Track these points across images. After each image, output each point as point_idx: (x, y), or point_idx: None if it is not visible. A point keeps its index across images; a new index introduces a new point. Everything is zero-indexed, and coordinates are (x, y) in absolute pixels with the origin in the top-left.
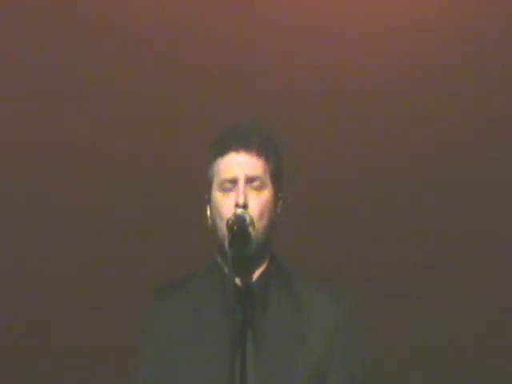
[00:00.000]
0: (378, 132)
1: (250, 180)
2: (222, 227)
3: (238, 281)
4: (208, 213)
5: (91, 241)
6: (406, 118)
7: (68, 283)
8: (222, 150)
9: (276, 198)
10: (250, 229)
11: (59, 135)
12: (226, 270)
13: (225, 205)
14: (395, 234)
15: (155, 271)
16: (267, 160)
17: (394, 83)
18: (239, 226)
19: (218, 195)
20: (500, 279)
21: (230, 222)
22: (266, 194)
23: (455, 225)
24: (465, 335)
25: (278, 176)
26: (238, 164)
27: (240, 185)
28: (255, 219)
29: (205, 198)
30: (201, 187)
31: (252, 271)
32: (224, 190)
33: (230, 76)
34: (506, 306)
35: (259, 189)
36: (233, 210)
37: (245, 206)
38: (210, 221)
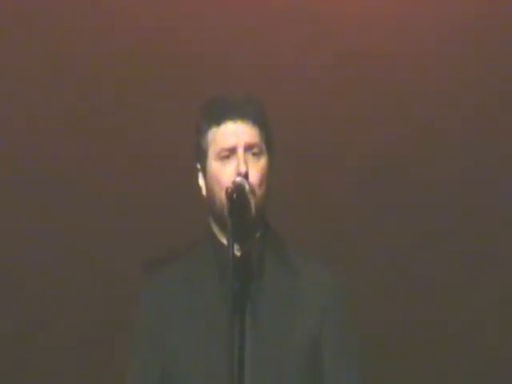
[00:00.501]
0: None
1: (248, 147)
2: (221, 196)
3: (236, 250)
4: (201, 182)
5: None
6: (401, 86)
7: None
8: (217, 119)
9: (270, 164)
10: (250, 196)
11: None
12: (221, 238)
13: (224, 173)
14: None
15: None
16: (262, 128)
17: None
18: (239, 194)
19: (215, 164)
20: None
21: (229, 191)
22: (263, 160)
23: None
24: (464, 309)
25: (271, 144)
26: (236, 132)
27: (240, 153)
28: (255, 186)
29: (197, 167)
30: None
31: (249, 239)
32: (222, 159)
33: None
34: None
35: (257, 156)
36: (233, 179)
37: (246, 175)
38: (204, 191)
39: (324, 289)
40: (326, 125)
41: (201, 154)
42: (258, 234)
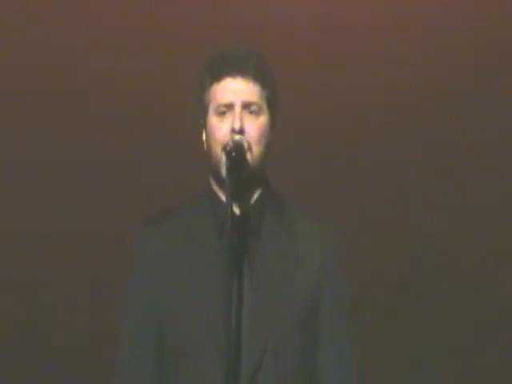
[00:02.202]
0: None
1: (246, 105)
2: (217, 151)
3: (235, 207)
4: (204, 138)
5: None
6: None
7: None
8: (218, 76)
9: (272, 124)
10: (248, 154)
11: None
12: (220, 195)
13: (220, 129)
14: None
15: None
16: (263, 85)
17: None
18: (237, 152)
19: (213, 119)
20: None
21: (228, 149)
22: (263, 119)
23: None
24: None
25: (273, 102)
26: (235, 89)
27: (236, 110)
28: (252, 144)
29: (200, 122)
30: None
31: (248, 197)
32: (220, 115)
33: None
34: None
35: (256, 114)
36: (228, 135)
37: (241, 131)
38: (205, 146)
39: (321, 246)
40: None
41: (203, 110)
42: (257, 193)
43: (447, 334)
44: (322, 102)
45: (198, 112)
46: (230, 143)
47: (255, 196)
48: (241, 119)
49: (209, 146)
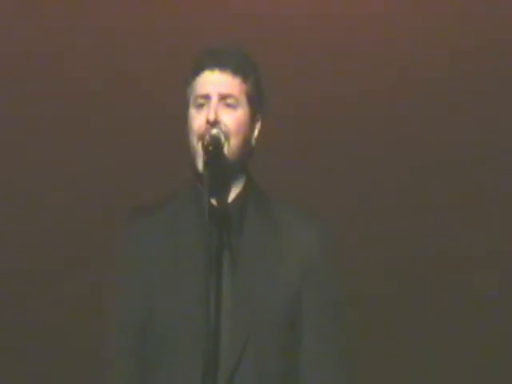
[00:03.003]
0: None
1: (222, 97)
2: (194, 143)
3: (214, 202)
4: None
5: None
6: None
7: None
8: (198, 69)
9: (253, 119)
10: (225, 148)
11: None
12: (201, 189)
13: (197, 120)
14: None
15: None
16: (244, 79)
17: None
18: (214, 146)
19: (191, 111)
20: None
21: (205, 143)
22: (241, 112)
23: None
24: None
25: (255, 97)
26: (212, 81)
27: (212, 101)
28: (230, 136)
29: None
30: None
31: (227, 191)
32: (197, 106)
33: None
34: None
35: (233, 107)
36: (204, 126)
37: (215, 123)
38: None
39: (306, 241)
40: None
41: (185, 103)
42: (239, 188)
43: (447, 335)
44: (313, 100)
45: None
46: (207, 137)
47: (237, 191)
48: (216, 111)
49: (187, 138)
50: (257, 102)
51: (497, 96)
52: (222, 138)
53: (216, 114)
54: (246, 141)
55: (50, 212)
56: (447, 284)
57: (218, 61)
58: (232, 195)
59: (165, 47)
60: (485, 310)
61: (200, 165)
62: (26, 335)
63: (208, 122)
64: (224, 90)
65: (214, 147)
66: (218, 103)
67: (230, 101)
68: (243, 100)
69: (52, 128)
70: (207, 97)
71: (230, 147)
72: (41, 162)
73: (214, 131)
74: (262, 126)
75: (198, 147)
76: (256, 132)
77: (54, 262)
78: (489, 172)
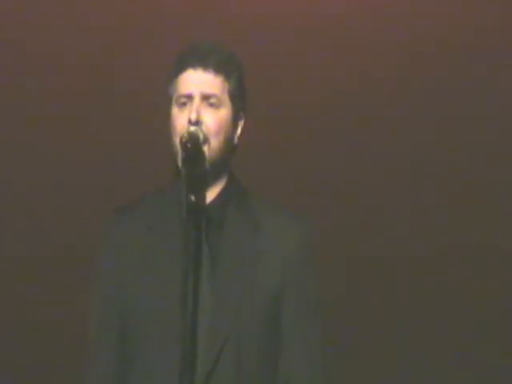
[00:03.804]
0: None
1: (205, 97)
2: (176, 142)
3: (193, 199)
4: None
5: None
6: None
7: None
8: (180, 67)
9: (235, 117)
10: (205, 147)
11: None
12: (181, 186)
13: (179, 120)
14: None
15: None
16: (226, 78)
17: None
18: (192, 143)
19: (174, 110)
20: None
21: (183, 140)
22: (223, 111)
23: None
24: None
25: (238, 95)
26: (195, 81)
27: (194, 101)
28: (210, 136)
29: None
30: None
31: (207, 189)
32: (180, 106)
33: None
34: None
35: (215, 106)
36: (186, 126)
37: (197, 123)
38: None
39: (286, 240)
40: None
41: (168, 102)
42: (220, 186)
43: (447, 335)
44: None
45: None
46: (186, 134)
47: (218, 189)
48: (198, 111)
49: (170, 137)
50: (240, 101)
51: (497, 96)
52: (201, 136)
53: (198, 114)
54: (228, 140)
55: (50, 212)
56: (447, 284)
57: (200, 59)
58: (213, 193)
59: (165, 47)
60: (485, 310)
61: (180, 162)
62: (25, 335)
63: (190, 121)
64: (206, 90)
65: (192, 144)
66: (201, 103)
67: (212, 100)
68: (226, 99)
69: (52, 128)
70: (189, 96)
71: (212, 147)
72: (40, 162)
73: (192, 128)
74: (245, 124)
75: (179, 146)
76: (239, 130)
77: (53, 262)
78: (489, 172)
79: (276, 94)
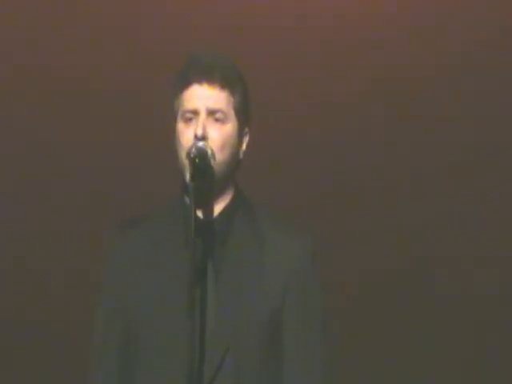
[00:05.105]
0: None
1: (211, 112)
2: (182, 157)
3: (200, 214)
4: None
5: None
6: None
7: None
8: (186, 82)
9: (240, 132)
10: (212, 162)
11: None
12: (188, 202)
13: (185, 135)
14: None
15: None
16: (232, 92)
17: None
18: (201, 158)
19: (180, 126)
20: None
21: (191, 155)
22: (229, 126)
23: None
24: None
25: (243, 110)
26: (200, 96)
27: (200, 117)
28: (216, 151)
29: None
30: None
31: (213, 204)
32: (186, 121)
33: None
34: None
35: (221, 121)
36: (192, 141)
37: (203, 138)
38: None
39: (290, 254)
40: None
41: (174, 116)
42: (226, 200)
43: (447, 336)
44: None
45: (172, 118)
46: (194, 150)
47: (224, 204)
48: (204, 126)
49: (176, 152)
50: (244, 115)
51: (497, 96)
52: (209, 151)
53: (204, 129)
54: (234, 155)
55: (50, 213)
56: (447, 284)
57: (205, 73)
58: (219, 208)
59: (164, 47)
60: (484, 311)
61: (187, 178)
62: (25, 335)
63: (196, 137)
64: (212, 105)
65: (200, 159)
66: (207, 118)
67: (218, 115)
68: (231, 114)
69: (50, 127)
70: (195, 112)
71: (218, 162)
72: (40, 161)
73: (200, 143)
74: (249, 138)
75: (187, 161)
76: (244, 145)
77: (53, 261)
78: (488, 172)
79: (278, 99)
